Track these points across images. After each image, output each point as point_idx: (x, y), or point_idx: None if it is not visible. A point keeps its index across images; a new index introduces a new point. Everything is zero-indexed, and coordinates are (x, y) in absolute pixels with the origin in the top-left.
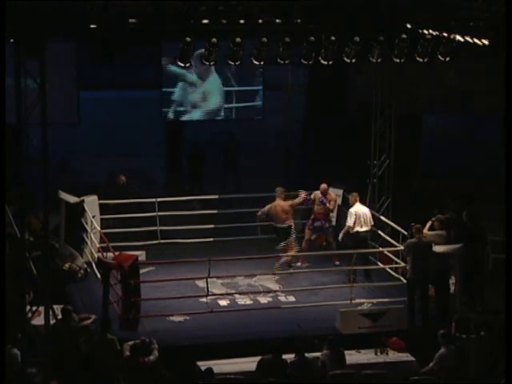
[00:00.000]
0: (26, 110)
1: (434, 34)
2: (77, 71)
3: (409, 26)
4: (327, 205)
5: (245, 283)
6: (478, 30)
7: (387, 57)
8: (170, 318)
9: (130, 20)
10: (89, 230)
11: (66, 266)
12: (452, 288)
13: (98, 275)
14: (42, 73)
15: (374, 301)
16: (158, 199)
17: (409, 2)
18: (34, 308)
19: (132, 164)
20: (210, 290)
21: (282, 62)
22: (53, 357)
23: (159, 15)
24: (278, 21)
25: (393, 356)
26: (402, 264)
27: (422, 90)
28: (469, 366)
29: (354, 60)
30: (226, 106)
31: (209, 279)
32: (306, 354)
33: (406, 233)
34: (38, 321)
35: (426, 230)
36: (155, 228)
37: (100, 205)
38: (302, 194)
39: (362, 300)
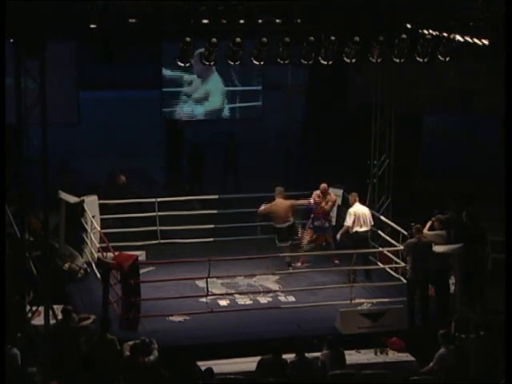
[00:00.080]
0: (26, 109)
1: (434, 34)
2: (77, 71)
3: (409, 25)
4: (322, 206)
5: (245, 283)
6: (478, 30)
7: (387, 57)
8: (170, 317)
9: (130, 20)
10: (89, 229)
11: (66, 265)
12: (452, 288)
13: (98, 275)
14: (42, 73)
15: (374, 301)
16: (158, 199)
17: (409, 2)
18: (34, 308)
19: (132, 164)
20: (209, 289)
21: (281, 61)
22: (53, 357)
23: (159, 15)
24: (278, 21)
25: (393, 356)
26: (402, 264)
27: (422, 90)
28: (468, 365)
29: (353, 60)
30: (227, 105)
31: (209, 279)
32: (306, 354)
33: (406, 233)
34: (38, 321)
35: (426, 230)
36: (155, 228)
37: (100, 205)
38: (307, 201)
39: (362, 300)
